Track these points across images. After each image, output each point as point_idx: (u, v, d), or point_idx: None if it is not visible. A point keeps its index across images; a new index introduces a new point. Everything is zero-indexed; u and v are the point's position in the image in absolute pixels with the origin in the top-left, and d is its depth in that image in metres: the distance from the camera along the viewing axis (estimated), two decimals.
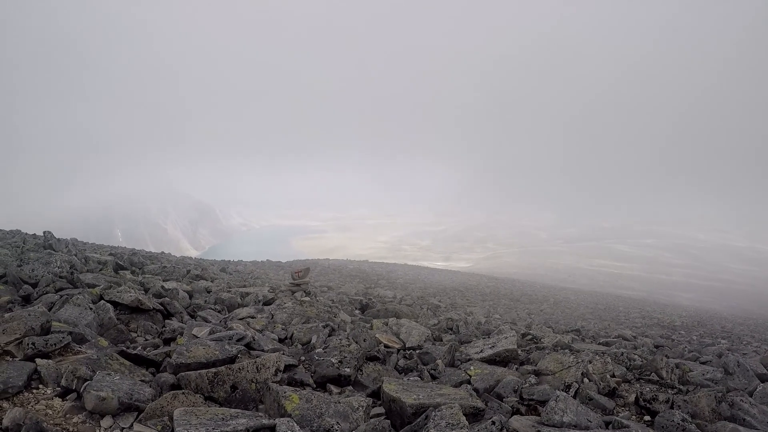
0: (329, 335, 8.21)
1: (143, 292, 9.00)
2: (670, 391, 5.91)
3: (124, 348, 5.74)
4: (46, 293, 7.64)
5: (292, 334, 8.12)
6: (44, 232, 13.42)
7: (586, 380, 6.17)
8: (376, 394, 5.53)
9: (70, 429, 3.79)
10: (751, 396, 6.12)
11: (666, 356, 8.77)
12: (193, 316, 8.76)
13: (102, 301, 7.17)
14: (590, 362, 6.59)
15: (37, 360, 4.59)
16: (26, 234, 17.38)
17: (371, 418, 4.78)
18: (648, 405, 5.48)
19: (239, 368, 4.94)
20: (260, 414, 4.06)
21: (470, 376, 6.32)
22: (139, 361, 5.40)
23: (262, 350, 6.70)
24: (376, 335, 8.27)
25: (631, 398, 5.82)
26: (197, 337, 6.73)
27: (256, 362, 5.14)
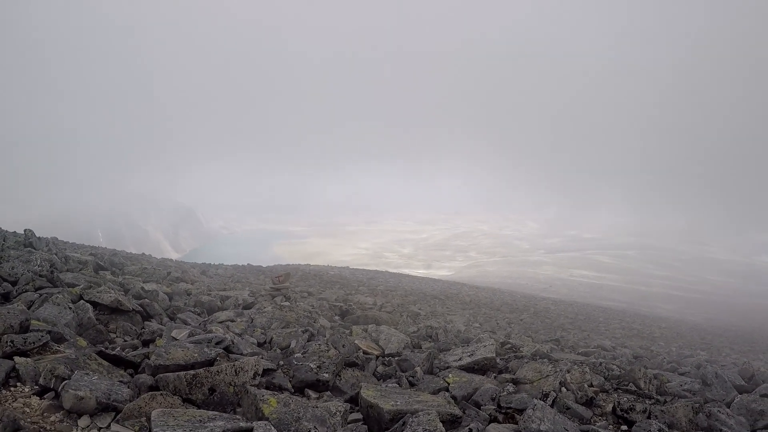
0: (308, 340, 8.22)
1: (123, 293, 8.95)
2: (647, 402, 5.96)
3: (103, 348, 5.72)
4: (26, 291, 7.58)
5: (272, 339, 8.12)
6: (25, 230, 13.29)
7: (564, 389, 6.21)
8: (354, 400, 5.54)
9: (48, 428, 3.77)
10: (728, 407, 6.18)
11: (644, 367, 8.85)
12: (172, 318, 8.74)
13: (81, 301, 7.15)
14: (568, 372, 6.64)
15: (16, 358, 4.57)
16: (6, 231, 17.19)
17: (349, 423, 4.80)
18: (625, 415, 5.52)
19: (218, 371, 4.94)
20: (238, 417, 4.06)
21: (448, 384, 6.34)
22: (117, 361, 5.39)
23: (241, 354, 6.70)
24: (356, 341, 8.28)
25: (609, 408, 5.86)
26: (176, 339, 6.72)
27: (234, 365, 5.14)
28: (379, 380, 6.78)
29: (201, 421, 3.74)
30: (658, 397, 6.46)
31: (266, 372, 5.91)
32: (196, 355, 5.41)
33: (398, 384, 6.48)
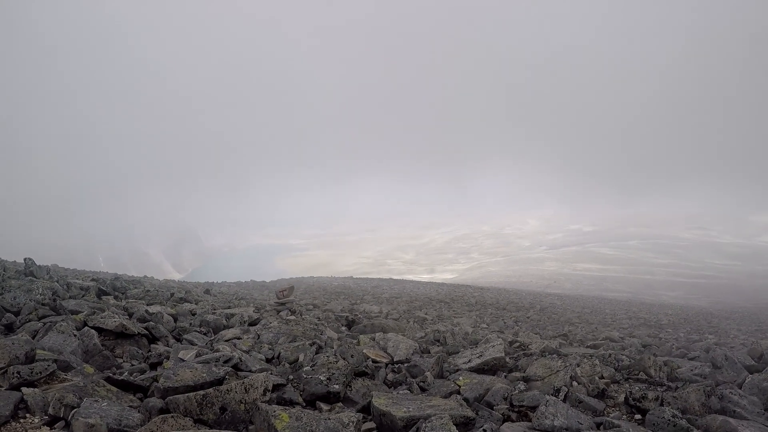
0: (316, 353, 8.18)
1: (127, 317, 8.93)
2: (659, 389, 5.95)
3: (111, 374, 5.69)
4: (29, 321, 7.56)
5: (279, 354, 8.08)
6: (25, 259, 13.26)
7: (575, 383, 6.19)
8: (366, 409, 5.51)
9: None
10: (740, 388, 6.15)
11: (654, 355, 8.84)
12: (178, 340, 8.69)
13: (86, 328, 7.11)
14: (578, 365, 6.62)
15: (23, 389, 4.54)
16: (6, 261, 17.15)
17: None
18: (638, 404, 5.50)
19: (227, 389, 4.90)
20: None
21: (459, 387, 6.32)
22: (126, 386, 5.36)
23: (250, 371, 6.66)
24: (364, 350, 8.25)
25: (621, 398, 5.85)
26: (184, 361, 6.68)
27: (244, 383, 5.11)
28: (389, 388, 6.75)
29: None
30: (670, 384, 6.44)
31: (276, 387, 5.88)
32: (205, 375, 5.37)
33: (409, 390, 6.45)
